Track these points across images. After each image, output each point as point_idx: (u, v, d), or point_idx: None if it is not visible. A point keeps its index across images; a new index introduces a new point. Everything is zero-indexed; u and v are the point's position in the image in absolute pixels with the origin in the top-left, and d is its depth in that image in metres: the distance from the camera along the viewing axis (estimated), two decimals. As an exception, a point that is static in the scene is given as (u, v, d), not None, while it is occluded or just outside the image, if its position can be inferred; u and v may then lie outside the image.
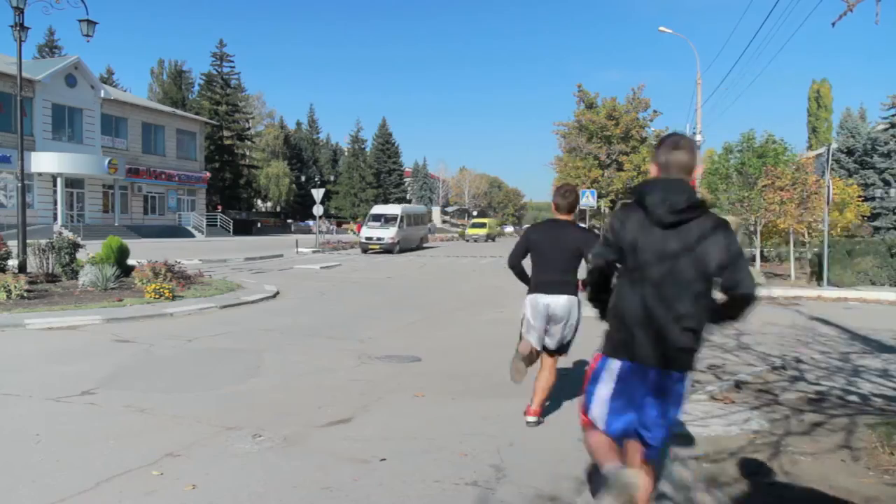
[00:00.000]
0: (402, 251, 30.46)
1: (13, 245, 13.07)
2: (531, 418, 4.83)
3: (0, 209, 29.16)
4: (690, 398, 5.60)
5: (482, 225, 56.23)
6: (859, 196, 24.12)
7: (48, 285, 12.01)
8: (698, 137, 27.68)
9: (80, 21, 13.75)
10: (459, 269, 22.42)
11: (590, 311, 3.25)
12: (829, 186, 14.90)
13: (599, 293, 2.95)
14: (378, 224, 30.73)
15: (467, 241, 51.51)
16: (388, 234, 30.04)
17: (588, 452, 2.95)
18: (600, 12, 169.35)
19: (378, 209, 33.20)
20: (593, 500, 3.00)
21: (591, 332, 3.94)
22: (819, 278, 15.27)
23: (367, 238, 30.07)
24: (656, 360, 2.68)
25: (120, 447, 4.25)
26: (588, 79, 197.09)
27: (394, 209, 32.61)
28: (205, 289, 12.59)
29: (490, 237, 54.28)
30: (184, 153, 46.82)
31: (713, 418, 4.97)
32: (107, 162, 36.53)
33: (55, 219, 33.54)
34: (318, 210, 34.58)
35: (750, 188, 20.17)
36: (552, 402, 5.20)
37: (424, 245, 36.97)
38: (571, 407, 5.35)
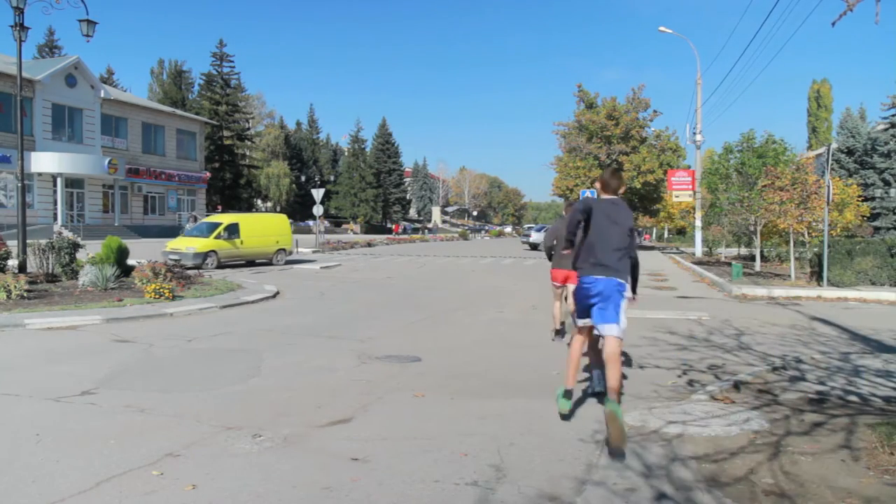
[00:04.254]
0: None
1: (13, 245, 13.07)
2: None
3: (0, 209, 29.14)
4: (690, 398, 5.61)
5: (204, 229, 20.52)
6: (859, 196, 24.12)
7: (48, 285, 12.01)
8: (698, 137, 27.69)
9: (80, 21, 13.76)
10: (459, 269, 22.41)
11: None
12: (828, 186, 14.89)
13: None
14: None
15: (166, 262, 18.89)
16: None
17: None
18: (600, 12, 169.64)
19: None
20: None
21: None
22: (819, 278, 15.27)
23: None
24: None
25: (120, 447, 4.25)
26: (588, 78, 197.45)
27: None
28: (205, 289, 12.60)
29: (209, 257, 19.21)
30: (184, 153, 46.80)
31: (713, 418, 4.96)
32: (107, 162, 36.53)
33: (55, 219, 33.52)
34: (318, 210, 34.59)
35: (750, 188, 20.17)
36: (552, 404, 5.19)
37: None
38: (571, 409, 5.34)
